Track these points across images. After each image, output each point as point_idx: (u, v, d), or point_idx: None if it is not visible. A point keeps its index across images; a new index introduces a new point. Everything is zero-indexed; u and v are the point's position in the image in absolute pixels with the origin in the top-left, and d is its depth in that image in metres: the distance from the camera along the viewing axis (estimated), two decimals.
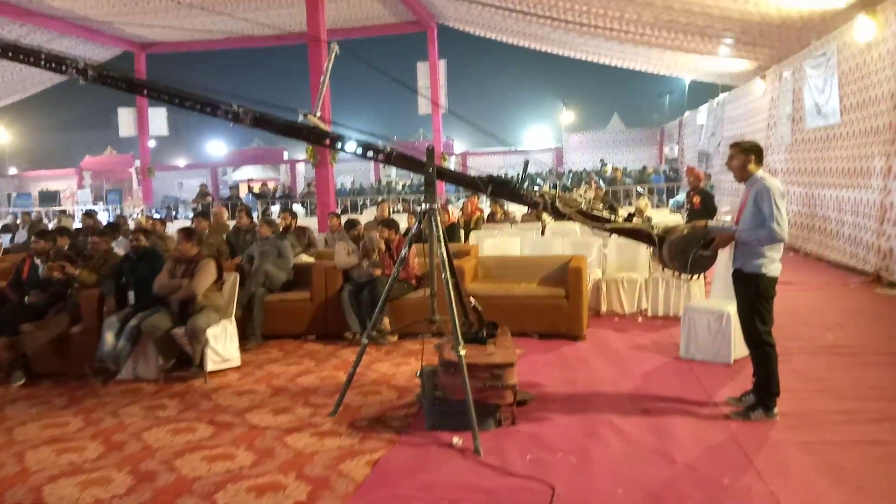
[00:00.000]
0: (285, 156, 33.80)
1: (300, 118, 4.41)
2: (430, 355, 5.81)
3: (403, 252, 4.98)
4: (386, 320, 6.49)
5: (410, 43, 20.46)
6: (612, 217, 4.63)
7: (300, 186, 31.37)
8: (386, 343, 6.45)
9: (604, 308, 7.44)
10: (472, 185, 4.76)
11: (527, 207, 7.14)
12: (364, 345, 4.79)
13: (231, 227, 9.64)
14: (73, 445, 4.28)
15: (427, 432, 4.27)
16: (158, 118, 20.28)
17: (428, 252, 4.71)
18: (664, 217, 10.74)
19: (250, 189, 28.75)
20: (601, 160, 27.94)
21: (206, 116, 4.76)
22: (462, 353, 4.13)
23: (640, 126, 33.47)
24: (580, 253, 7.30)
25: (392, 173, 30.44)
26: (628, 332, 6.73)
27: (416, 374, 4.84)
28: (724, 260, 4.85)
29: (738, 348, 5.32)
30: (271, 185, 28.55)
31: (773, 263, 4.26)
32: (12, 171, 34.98)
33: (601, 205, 4.85)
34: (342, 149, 4.78)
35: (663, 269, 5.01)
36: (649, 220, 4.95)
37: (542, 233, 9.21)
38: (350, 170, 31.04)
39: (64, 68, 4.59)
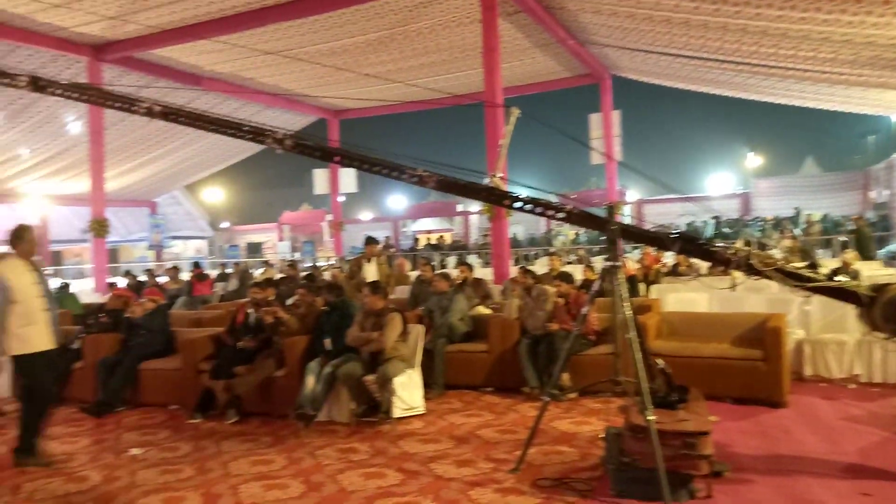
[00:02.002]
0: (459, 208, 35.05)
1: (486, 180, 4.57)
2: (611, 415, 5.65)
3: (585, 309, 4.92)
4: (565, 376, 6.41)
5: (582, 95, 20.52)
6: (814, 275, 4.26)
7: (473, 237, 32.27)
8: (565, 400, 6.36)
9: (808, 372, 6.76)
10: (659, 242, 4.63)
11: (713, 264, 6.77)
12: (545, 402, 4.76)
13: (414, 279, 10.11)
14: (279, 483, 4.65)
15: (614, 499, 4.12)
16: (348, 177, 22.01)
17: (606, 307, 4.61)
18: (876, 271, 9.61)
19: (429, 240, 30.04)
20: (795, 208, 25.79)
21: None
22: (651, 418, 3.96)
23: (840, 169, 30.52)
24: (778, 310, 6.74)
25: (564, 223, 30.30)
26: (838, 401, 6.05)
27: (599, 435, 4.71)
28: None
29: None
30: (446, 237, 29.60)
31: None
32: (224, 225, 39.61)
33: (799, 259, 4.49)
34: (521, 209, 4.86)
35: (874, 333, 4.48)
36: (856, 276, 4.48)
37: (733, 288, 8.63)
38: (521, 220, 31.38)
39: (263, 139, 5.11)
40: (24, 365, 5.16)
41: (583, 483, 4.38)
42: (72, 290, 13.19)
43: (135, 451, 5.48)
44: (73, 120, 17.53)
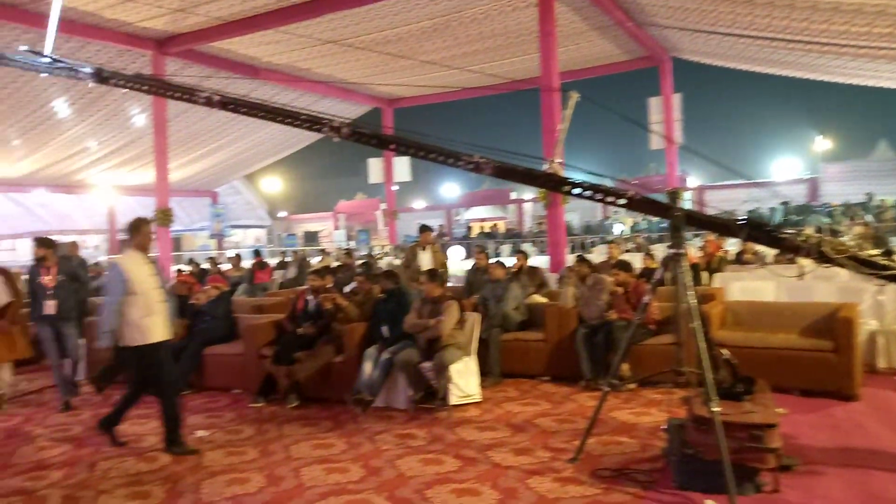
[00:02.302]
0: (513, 195, 34.83)
1: (545, 166, 4.50)
2: (673, 406, 5.52)
3: (647, 298, 4.80)
4: (625, 366, 6.31)
5: (640, 78, 20.04)
6: (890, 262, 4.05)
7: (527, 225, 32.05)
8: (625, 390, 6.26)
9: (881, 364, 6.48)
10: (725, 229, 4.48)
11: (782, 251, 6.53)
12: (605, 392, 4.69)
13: (469, 267, 10.10)
14: (339, 466, 4.73)
15: (676, 491, 4.03)
16: (402, 166, 22.13)
17: (667, 296, 4.50)
18: None
19: (482, 228, 29.99)
20: (867, 193, 24.63)
21: None
22: (716, 409, 3.85)
23: None
24: (849, 300, 6.46)
25: (620, 210, 29.78)
26: None
27: (660, 426, 4.62)
28: None
29: None
30: (500, 225, 29.48)
31: None
32: (282, 214, 40.45)
33: (872, 246, 4.27)
34: (580, 195, 4.77)
35: None
36: None
37: (802, 276, 8.32)
38: (576, 207, 30.96)
39: (320, 127, 5.13)
40: (145, 355, 5.18)
41: (644, 474, 4.31)
42: None
43: (200, 433, 5.66)
44: (138, 113, 18.16)
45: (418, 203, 41.68)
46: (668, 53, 17.53)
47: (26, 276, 7.20)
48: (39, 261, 6.70)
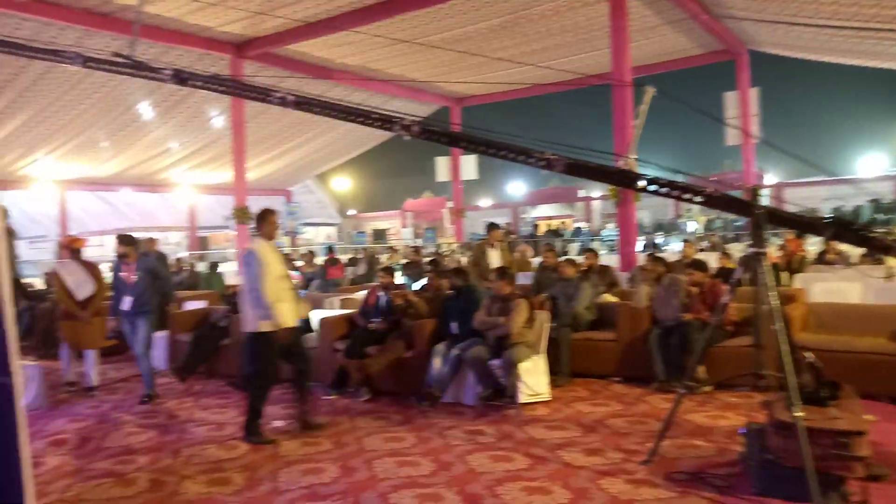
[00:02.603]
0: (581, 193, 34.36)
1: (620, 163, 4.43)
2: (750, 410, 5.35)
3: (725, 298, 4.67)
4: (701, 369, 6.14)
5: (714, 73, 19.41)
6: None
7: (595, 223, 31.57)
8: (700, 393, 6.09)
9: None
10: (810, 227, 4.31)
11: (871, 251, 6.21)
12: (680, 395, 4.59)
13: (538, 266, 10.05)
14: (410, 460, 4.80)
15: (755, 497, 3.91)
16: (469, 164, 22.19)
17: (744, 296, 4.35)
18: None
19: (549, 226, 29.73)
20: None
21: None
22: (799, 415, 3.71)
23: None
24: None
25: (694, 208, 28.94)
26: None
27: (738, 430, 4.49)
28: None
29: None
30: (568, 223, 29.17)
31: None
32: (351, 212, 41.23)
33: None
34: (656, 192, 4.65)
35: None
36: None
37: (891, 277, 7.90)
38: (647, 205, 30.30)
39: (391, 126, 5.19)
40: (263, 341, 5.35)
41: (721, 479, 4.19)
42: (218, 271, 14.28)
43: (277, 424, 5.85)
44: (217, 115, 18.88)
45: (484, 201, 41.69)
46: (746, 46, 16.90)
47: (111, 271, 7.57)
48: (121, 257, 6.91)
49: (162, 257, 11.17)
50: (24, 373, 6.94)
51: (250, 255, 5.42)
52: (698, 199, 4.43)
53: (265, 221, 5.52)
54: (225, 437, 5.55)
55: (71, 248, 7.57)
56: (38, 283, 14.17)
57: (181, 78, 6.28)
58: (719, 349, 6.27)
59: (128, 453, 5.24)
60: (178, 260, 16.50)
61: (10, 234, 6.91)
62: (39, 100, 15.68)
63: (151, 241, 11.58)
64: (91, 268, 7.37)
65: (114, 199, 28.67)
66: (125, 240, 6.98)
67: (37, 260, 22.65)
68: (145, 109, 17.68)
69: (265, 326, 5.31)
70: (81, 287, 7.19)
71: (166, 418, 6.24)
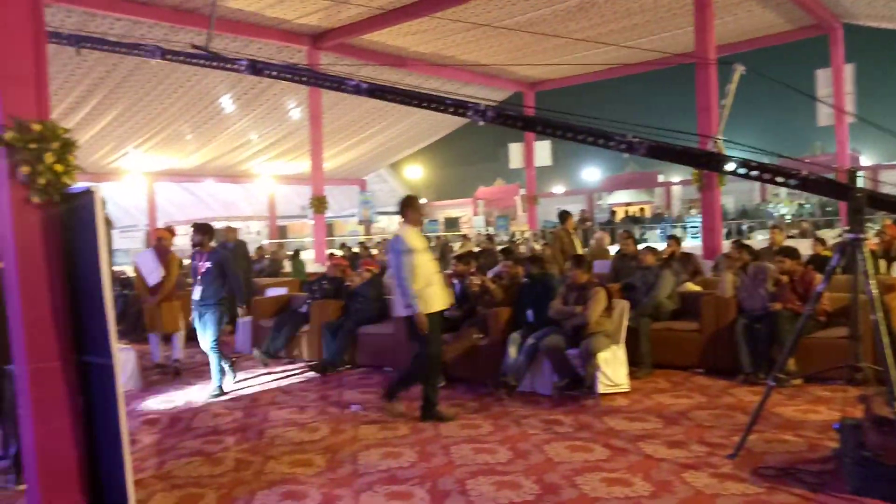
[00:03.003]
0: (660, 178, 33.38)
1: (710, 145, 4.24)
2: (845, 404, 5.07)
3: (820, 287, 4.42)
4: (791, 361, 5.86)
5: (803, 49, 18.41)
6: None
7: (675, 209, 30.64)
8: (789, 386, 5.82)
9: None
10: None
11: None
12: (770, 387, 4.38)
13: (615, 253, 9.84)
14: (487, 447, 4.80)
15: (850, 496, 3.70)
16: (543, 150, 21.92)
17: (838, 285, 4.10)
18: None
19: (626, 213, 29.07)
20: None
21: (583, 145, 4.81)
22: None
23: None
24: None
25: (781, 192, 27.60)
26: None
27: (832, 425, 4.26)
28: None
29: None
30: (646, 209, 28.43)
31: None
32: (423, 200, 41.57)
33: None
34: (746, 175, 4.42)
35: None
36: None
37: None
38: (731, 190, 29.11)
39: (465, 111, 5.10)
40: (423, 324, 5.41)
41: (812, 475, 3.99)
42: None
43: (356, 408, 5.97)
44: (295, 107, 19.37)
45: (558, 188, 41.14)
46: (840, 20, 15.93)
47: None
48: (195, 246, 6.91)
49: (242, 245, 11.34)
50: (120, 356, 7.35)
51: (398, 241, 5.49)
52: (793, 182, 4.21)
53: (410, 207, 5.56)
54: (306, 420, 5.70)
55: (160, 237, 7.94)
56: (129, 271, 14.97)
57: (256, 68, 6.47)
58: (810, 340, 5.96)
59: (215, 433, 5.46)
60: (260, 248, 17.06)
61: (108, 223, 7.26)
62: (130, 96, 16.52)
63: (231, 229, 11.84)
64: (164, 255, 7.69)
65: (198, 189, 29.94)
66: (200, 228, 6.93)
67: (127, 248, 23.93)
68: (227, 103, 18.33)
69: (421, 309, 5.31)
70: (153, 274, 7.62)
71: (250, 401, 6.47)
